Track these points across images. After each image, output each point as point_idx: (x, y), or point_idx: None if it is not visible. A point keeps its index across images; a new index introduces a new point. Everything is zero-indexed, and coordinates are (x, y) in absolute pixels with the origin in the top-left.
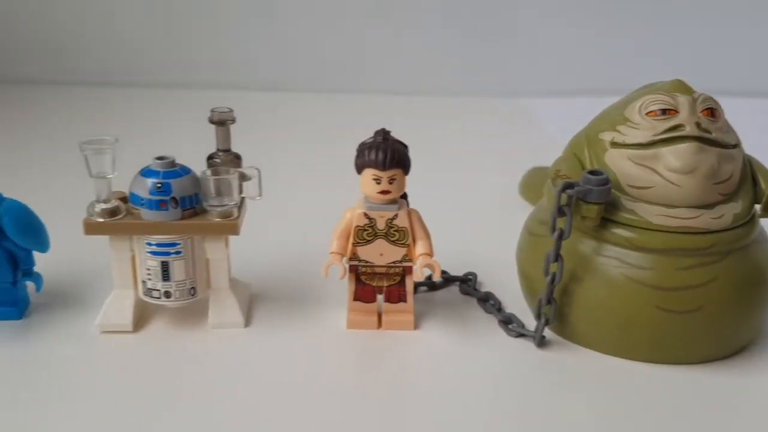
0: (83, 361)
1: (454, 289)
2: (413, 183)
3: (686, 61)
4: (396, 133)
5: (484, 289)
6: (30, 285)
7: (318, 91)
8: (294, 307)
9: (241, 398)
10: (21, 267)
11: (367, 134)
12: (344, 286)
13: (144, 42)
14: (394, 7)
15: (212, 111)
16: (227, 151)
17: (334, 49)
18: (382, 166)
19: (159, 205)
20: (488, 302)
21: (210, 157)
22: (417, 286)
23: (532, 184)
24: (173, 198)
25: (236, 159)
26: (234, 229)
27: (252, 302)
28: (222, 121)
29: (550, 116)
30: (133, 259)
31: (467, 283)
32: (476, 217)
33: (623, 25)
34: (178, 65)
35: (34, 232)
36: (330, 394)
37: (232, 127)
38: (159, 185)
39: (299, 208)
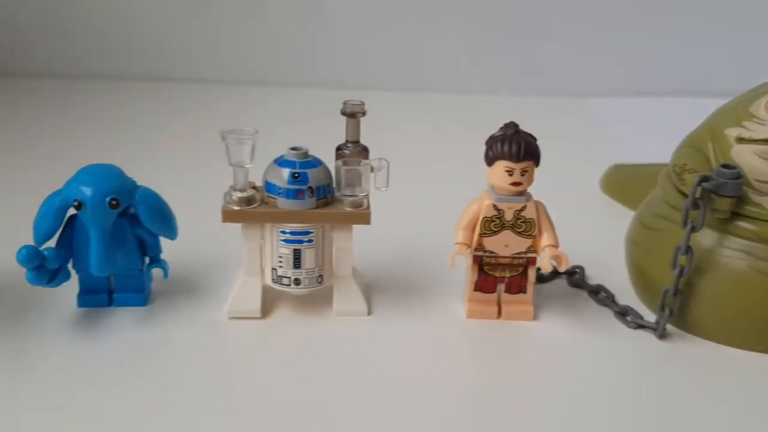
0: (213, 347)
1: (560, 282)
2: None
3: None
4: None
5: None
6: (156, 272)
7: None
8: (410, 296)
9: (366, 384)
10: (149, 254)
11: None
12: (457, 277)
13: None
14: (455, 7)
15: (345, 103)
16: (356, 142)
17: (428, 51)
18: (516, 158)
19: (296, 194)
20: (600, 294)
21: (339, 149)
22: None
23: (615, 181)
24: (309, 187)
25: (364, 151)
26: (366, 219)
27: (368, 292)
28: (353, 113)
29: (610, 116)
30: (260, 247)
31: (574, 276)
32: (561, 213)
33: (680, 25)
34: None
35: (166, 220)
36: (453, 382)
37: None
38: (296, 175)
39: (403, 200)
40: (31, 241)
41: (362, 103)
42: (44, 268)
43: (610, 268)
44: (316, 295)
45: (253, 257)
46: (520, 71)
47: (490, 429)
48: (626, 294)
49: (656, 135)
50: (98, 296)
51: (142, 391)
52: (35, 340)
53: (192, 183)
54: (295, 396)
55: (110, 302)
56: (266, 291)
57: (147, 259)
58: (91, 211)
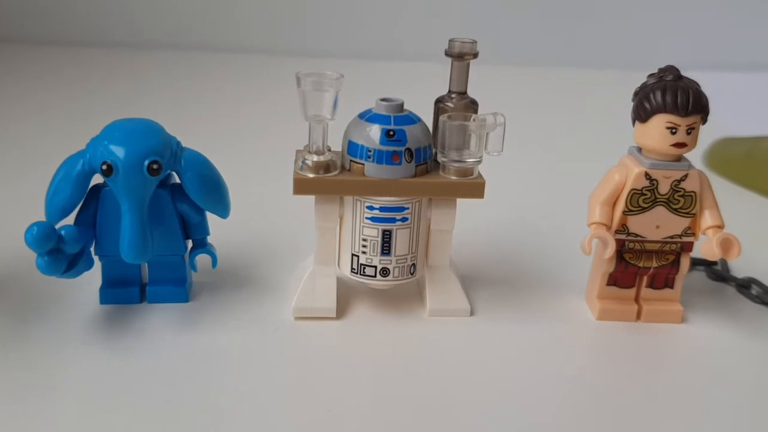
0: (274, 358)
1: (695, 274)
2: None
3: None
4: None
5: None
6: (202, 259)
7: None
8: (515, 293)
9: (475, 406)
10: (194, 236)
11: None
12: (567, 267)
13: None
14: None
15: (451, 41)
16: (463, 93)
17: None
18: (684, 111)
19: (391, 158)
20: (751, 289)
21: (438, 101)
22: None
23: (723, 155)
24: (408, 149)
25: (472, 104)
26: (479, 191)
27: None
28: (461, 54)
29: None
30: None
31: (714, 267)
32: None
33: None
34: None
35: (219, 192)
36: (588, 402)
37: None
38: (391, 133)
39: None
40: (42, 218)
41: (474, 42)
42: (61, 253)
43: (749, 256)
44: (401, 289)
45: (329, 241)
46: (610, 44)
47: None
48: None
49: (753, 109)
50: (127, 290)
51: (184, 414)
52: (49, 349)
53: (236, 154)
54: (389, 423)
55: (142, 298)
56: (341, 284)
57: (190, 243)
58: (125, 178)
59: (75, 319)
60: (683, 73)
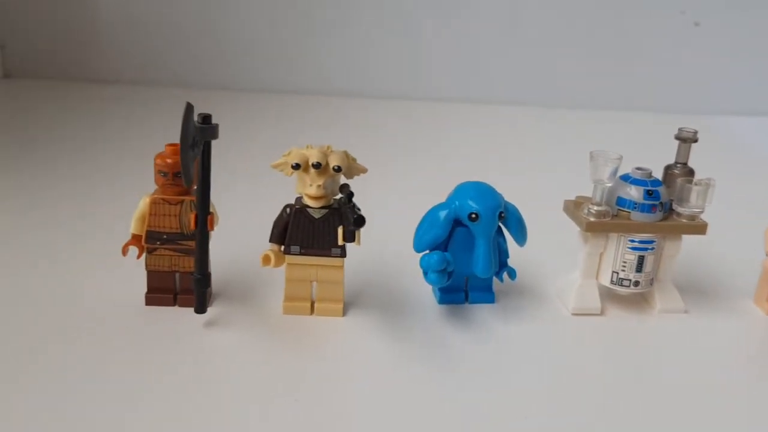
0: (559, 340)
1: None
2: None
3: None
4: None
5: None
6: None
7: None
8: (699, 294)
9: (688, 380)
10: (501, 258)
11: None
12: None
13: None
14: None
15: (680, 129)
16: (684, 164)
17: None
18: None
19: (650, 209)
20: None
21: (668, 168)
22: None
23: None
24: (661, 203)
25: (690, 173)
26: (703, 230)
27: None
28: (685, 139)
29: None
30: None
31: None
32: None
33: None
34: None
35: (525, 229)
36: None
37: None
38: (651, 192)
39: None
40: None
41: (695, 132)
42: (444, 271)
43: None
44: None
45: (593, 262)
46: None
47: None
48: None
49: None
50: (457, 295)
51: (491, 382)
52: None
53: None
54: (618, 389)
55: (466, 300)
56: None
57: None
58: (485, 223)
59: (423, 314)
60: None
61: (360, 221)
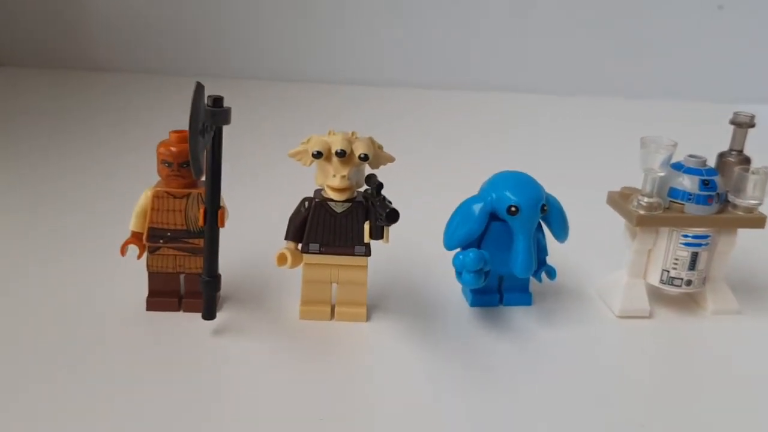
0: (605, 345)
1: None
2: None
3: None
4: None
5: None
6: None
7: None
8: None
9: (746, 386)
10: (540, 256)
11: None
12: None
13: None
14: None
15: (735, 114)
16: (740, 151)
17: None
18: None
19: (707, 200)
20: None
21: (721, 155)
22: None
23: None
24: (717, 194)
25: (746, 161)
26: (762, 223)
27: None
28: (741, 123)
29: None
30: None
31: None
32: None
33: None
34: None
35: (566, 223)
36: None
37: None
38: (707, 182)
39: None
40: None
41: (753, 116)
42: (481, 271)
43: None
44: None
45: (641, 260)
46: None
47: None
48: None
49: None
50: (490, 296)
51: (532, 393)
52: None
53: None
54: (659, 392)
55: (500, 301)
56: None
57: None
58: (527, 217)
59: (454, 319)
60: None
61: (393, 216)
